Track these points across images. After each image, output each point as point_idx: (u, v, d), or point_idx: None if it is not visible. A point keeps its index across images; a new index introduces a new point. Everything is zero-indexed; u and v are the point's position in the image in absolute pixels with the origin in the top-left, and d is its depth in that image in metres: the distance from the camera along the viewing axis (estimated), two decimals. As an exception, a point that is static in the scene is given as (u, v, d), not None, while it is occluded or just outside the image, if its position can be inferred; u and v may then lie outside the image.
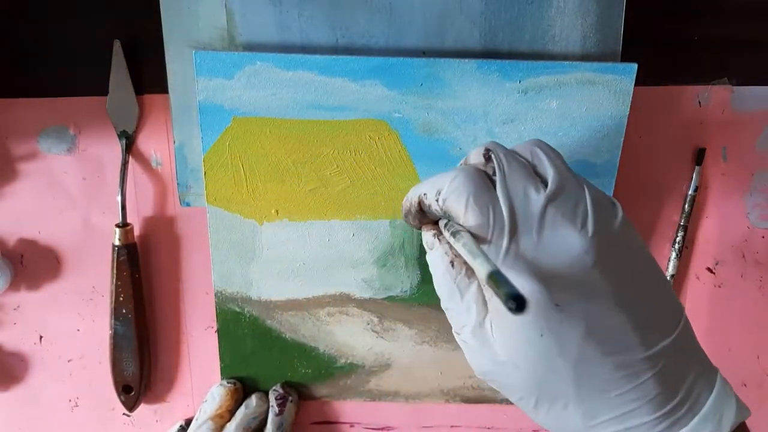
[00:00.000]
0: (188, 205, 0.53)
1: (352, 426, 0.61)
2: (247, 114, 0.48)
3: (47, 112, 0.52)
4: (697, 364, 0.36)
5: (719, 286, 0.57)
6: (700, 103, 0.53)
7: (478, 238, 0.34)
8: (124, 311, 0.54)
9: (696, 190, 0.54)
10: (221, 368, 0.57)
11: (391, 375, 0.57)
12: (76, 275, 0.56)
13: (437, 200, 0.36)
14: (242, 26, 0.48)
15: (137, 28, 0.50)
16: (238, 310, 0.54)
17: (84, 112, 0.52)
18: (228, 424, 0.55)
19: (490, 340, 0.35)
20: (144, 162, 0.53)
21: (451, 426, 0.61)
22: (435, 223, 0.39)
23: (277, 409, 0.55)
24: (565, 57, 0.49)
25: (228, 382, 0.57)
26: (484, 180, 0.35)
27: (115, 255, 0.53)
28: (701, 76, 0.53)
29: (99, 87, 0.51)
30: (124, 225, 0.53)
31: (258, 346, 0.56)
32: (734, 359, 0.59)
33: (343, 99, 0.48)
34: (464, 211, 0.34)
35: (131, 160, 0.53)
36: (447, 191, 0.35)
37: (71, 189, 0.53)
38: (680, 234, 0.55)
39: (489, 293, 0.35)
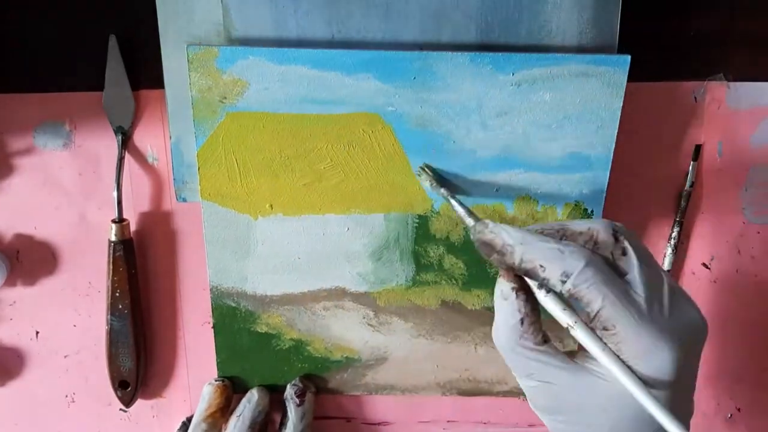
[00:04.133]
0: (184, 200, 0.53)
1: (349, 421, 0.61)
2: (240, 109, 0.48)
3: (43, 107, 0.52)
4: None
5: (715, 282, 0.57)
6: (695, 98, 0.53)
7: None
8: (120, 307, 0.54)
9: (692, 185, 0.54)
10: (217, 364, 0.57)
11: (387, 368, 0.57)
12: (72, 271, 0.56)
13: (562, 281, 0.36)
14: (238, 21, 0.48)
15: (133, 23, 0.50)
16: (233, 305, 0.55)
17: (80, 107, 0.52)
18: (233, 423, 0.55)
19: (567, 390, 0.37)
20: (140, 157, 0.53)
21: (448, 421, 0.61)
22: (515, 274, 0.38)
23: (297, 400, 0.56)
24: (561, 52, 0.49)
25: (216, 380, 0.57)
26: (613, 274, 0.36)
27: (112, 251, 0.53)
28: (697, 72, 0.53)
29: (95, 82, 0.51)
30: (120, 221, 0.53)
31: (254, 341, 0.56)
32: (729, 355, 0.59)
33: (336, 93, 0.48)
34: (600, 306, 0.35)
35: (127, 155, 0.53)
36: (578, 280, 0.35)
37: (67, 184, 0.54)
38: (676, 229, 0.55)
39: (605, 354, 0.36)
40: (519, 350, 0.38)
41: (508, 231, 0.37)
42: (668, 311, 0.36)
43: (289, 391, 0.56)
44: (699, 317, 0.38)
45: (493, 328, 0.39)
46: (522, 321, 0.37)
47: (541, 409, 0.40)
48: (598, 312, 0.35)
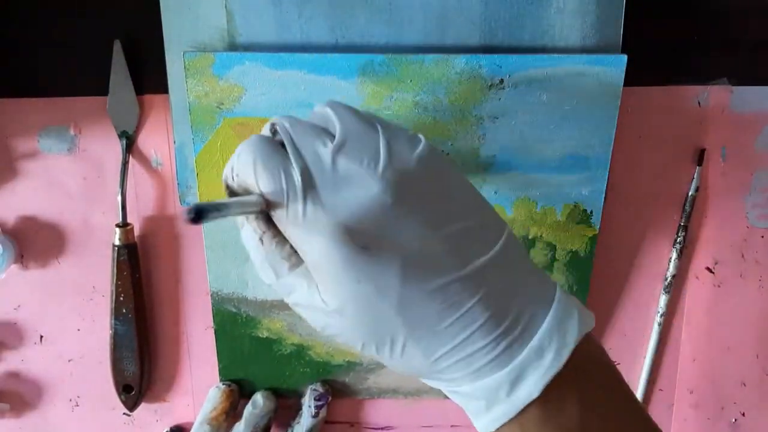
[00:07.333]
0: (188, 204, 0.53)
1: (352, 425, 0.61)
2: (238, 114, 0.49)
3: (48, 111, 0.52)
4: (531, 281, 0.36)
5: (719, 286, 0.57)
6: (699, 103, 0.53)
7: (275, 205, 0.33)
8: (124, 311, 0.54)
9: (696, 190, 0.54)
10: (219, 369, 0.57)
11: (389, 372, 0.57)
12: (76, 275, 0.56)
13: (233, 178, 0.35)
14: (242, 27, 0.48)
15: (138, 28, 0.50)
16: (234, 310, 0.55)
17: (84, 112, 0.52)
18: (236, 425, 0.55)
19: (317, 296, 0.34)
20: (144, 162, 0.54)
21: (452, 426, 0.61)
22: None
23: (314, 411, 0.56)
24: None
25: (223, 384, 0.57)
26: (271, 146, 0.34)
27: (116, 255, 0.53)
28: (700, 76, 0.53)
29: (99, 87, 0.51)
30: (124, 225, 0.53)
31: (255, 346, 0.56)
32: (734, 358, 0.59)
33: (332, 97, 0.48)
34: (255, 180, 0.33)
35: (131, 160, 0.53)
36: (237, 166, 0.34)
37: (71, 189, 0.54)
38: (681, 234, 0.55)
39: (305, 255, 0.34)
40: (269, 269, 0.36)
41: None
42: (330, 188, 0.33)
43: (309, 395, 0.57)
44: (374, 186, 0.33)
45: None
46: (261, 240, 0.35)
47: (320, 327, 0.36)
48: (260, 197, 0.33)
